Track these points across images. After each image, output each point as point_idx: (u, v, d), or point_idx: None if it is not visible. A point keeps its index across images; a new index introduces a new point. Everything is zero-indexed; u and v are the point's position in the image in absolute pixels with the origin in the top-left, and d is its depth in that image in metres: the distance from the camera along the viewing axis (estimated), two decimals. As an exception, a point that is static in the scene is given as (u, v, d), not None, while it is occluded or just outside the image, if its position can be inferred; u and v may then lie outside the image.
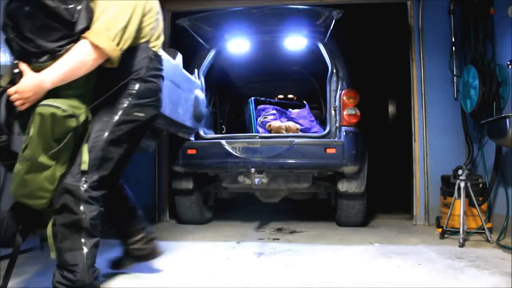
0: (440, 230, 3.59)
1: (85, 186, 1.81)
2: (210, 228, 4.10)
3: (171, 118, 3.27)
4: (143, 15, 1.97)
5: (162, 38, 2.16)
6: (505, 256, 2.80)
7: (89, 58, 1.79)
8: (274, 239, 3.52)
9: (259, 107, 4.67)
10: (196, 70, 4.00)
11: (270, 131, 4.35)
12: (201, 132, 3.96)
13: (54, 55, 1.79)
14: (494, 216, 3.66)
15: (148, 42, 2.03)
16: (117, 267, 2.39)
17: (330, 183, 3.97)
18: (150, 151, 3.66)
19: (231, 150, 3.72)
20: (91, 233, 1.84)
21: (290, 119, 4.57)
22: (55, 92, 1.79)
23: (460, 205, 3.32)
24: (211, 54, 4.21)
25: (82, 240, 1.81)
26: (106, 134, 1.88)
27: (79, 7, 1.82)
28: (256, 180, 3.68)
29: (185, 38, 4.35)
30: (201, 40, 4.17)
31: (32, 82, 1.73)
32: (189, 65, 3.94)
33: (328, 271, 2.50)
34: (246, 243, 3.32)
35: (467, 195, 3.38)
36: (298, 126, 4.41)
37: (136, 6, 1.91)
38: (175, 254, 2.98)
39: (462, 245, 3.11)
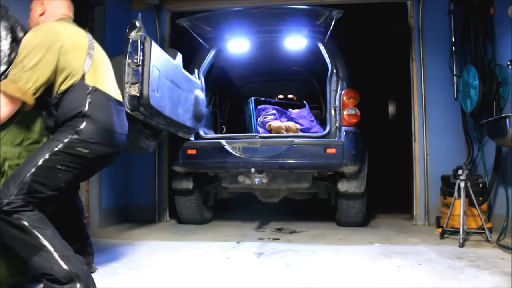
0: (440, 230, 3.59)
1: (4, 201, 1.80)
2: (210, 228, 4.10)
3: (171, 118, 3.27)
4: (63, 53, 1.99)
5: (104, 75, 2.16)
6: (505, 256, 2.80)
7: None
8: (274, 239, 3.52)
9: (259, 107, 4.67)
10: (196, 70, 4.00)
11: (270, 131, 4.35)
12: (201, 132, 3.96)
13: None
14: (494, 216, 3.66)
15: (83, 79, 2.04)
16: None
17: (330, 183, 3.97)
18: (150, 151, 3.66)
19: (231, 150, 3.72)
20: (40, 227, 1.81)
21: (290, 119, 4.57)
22: None
23: (460, 205, 3.32)
24: (211, 54, 4.21)
25: (38, 239, 1.79)
26: (41, 160, 1.89)
27: (8, 67, 1.96)
28: (256, 180, 3.68)
29: (185, 38, 4.34)
30: (201, 40, 4.17)
31: None
32: (189, 65, 3.94)
33: (328, 271, 2.50)
34: (246, 243, 3.32)
35: (467, 195, 3.38)
36: (298, 126, 4.40)
37: (51, 46, 1.96)
38: (175, 254, 2.98)
39: (462, 245, 3.11)
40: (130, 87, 2.81)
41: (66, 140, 1.94)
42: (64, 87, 2.00)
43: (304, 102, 4.91)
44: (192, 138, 3.89)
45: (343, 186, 3.79)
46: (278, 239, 3.52)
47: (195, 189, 4.07)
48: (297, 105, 5.01)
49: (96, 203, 3.98)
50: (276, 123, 4.37)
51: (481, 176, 3.77)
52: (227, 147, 3.74)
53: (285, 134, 4.15)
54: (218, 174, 4.04)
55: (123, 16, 4.43)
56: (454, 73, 4.21)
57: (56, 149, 1.92)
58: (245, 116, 4.92)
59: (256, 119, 4.56)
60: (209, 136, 4.02)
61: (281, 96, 5.83)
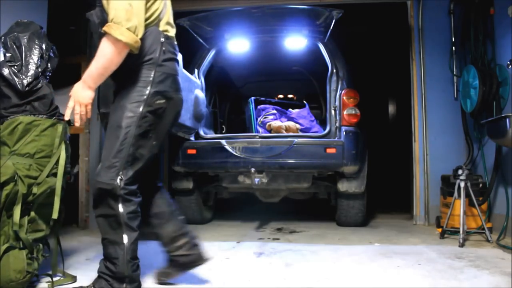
0: (440, 230, 3.59)
1: (121, 184, 1.85)
2: (210, 228, 4.10)
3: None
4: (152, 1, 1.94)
5: (173, 25, 2.11)
6: (505, 256, 2.80)
7: (115, 53, 1.81)
8: (274, 239, 3.52)
9: (259, 107, 4.67)
10: (196, 70, 4.00)
11: (270, 131, 4.35)
12: (201, 132, 3.96)
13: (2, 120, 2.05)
14: (494, 216, 3.66)
15: (158, 26, 1.98)
16: (163, 277, 2.26)
17: (330, 183, 3.97)
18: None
19: (231, 150, 3.72)
20: (131, 227, 1.89)
21: (290, 119, 4.57)
22: None
23: (460, 205, 3.32)
24: (211, 54, 4.21)
25: (123, 235, 1.88)
26: (133, 128, 1.88)
27: (33, 80, 2.07)
28: (256, 180, 3.68)
29: (185, 38, 4.34)
30: (201, 40, 4.17)
31: (78, 86, 1.88)
32: (189, 65, 3.94)
33: (328, 271, 2.51)
34: (246, 243, 3.33)
35: (467, 195, 3.38)
36: (298, 126, 4.41)
37: None
38: (175, 254, 2.98)
39: (462, 245, 3.11)
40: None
41: (144, 98, 1.88)
42: None
43: (304, 102, 4.92)
44: (192, 138, 3.89)
45: (343, 186, 3.79)
46: (278, 239, 3.52)
47: (195, 189, 4.07)
48: (297, 105, 5.01)
49: (96, 203, 3.97)
50: (276, 123, 4.37)
51: (481, 176, 3.77)
52: (227, 147, 3.74)
53: (285, 134, 4.15)
54: (218, 174, 4.04)
55: (123, 16, 4.42)
56: (454, 73, 4.21)
57: (141, 110, 1.88)
58: (245, 116, 4.92)
59: (256, 119, 4.56)
60: (209, 136, 4.02)
61: (281, 96, 5.84)
